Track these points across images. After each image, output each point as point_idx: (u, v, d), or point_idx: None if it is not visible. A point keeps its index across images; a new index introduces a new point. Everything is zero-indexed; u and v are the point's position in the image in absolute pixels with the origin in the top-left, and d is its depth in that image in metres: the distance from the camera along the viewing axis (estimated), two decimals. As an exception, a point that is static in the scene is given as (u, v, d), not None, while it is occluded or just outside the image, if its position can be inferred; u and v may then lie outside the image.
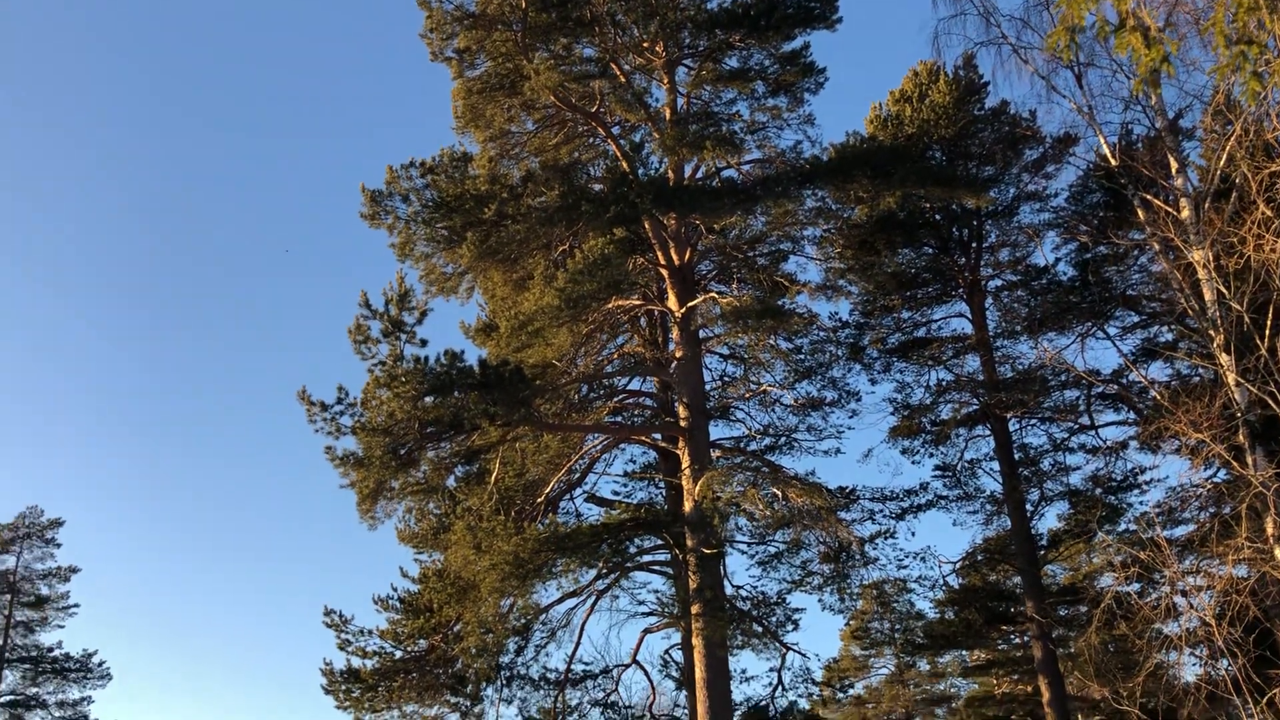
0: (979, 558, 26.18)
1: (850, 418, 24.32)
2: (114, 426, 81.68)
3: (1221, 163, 15.71)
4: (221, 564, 75.69)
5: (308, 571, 75.75)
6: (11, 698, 38.99)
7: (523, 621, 21.11)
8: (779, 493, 18.95)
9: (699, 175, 22.47)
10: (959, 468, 25.64)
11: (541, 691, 22.32)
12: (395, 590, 21.67)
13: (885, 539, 23.35)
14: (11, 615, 39.48)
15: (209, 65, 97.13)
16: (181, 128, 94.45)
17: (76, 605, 40.88)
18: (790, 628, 21.75)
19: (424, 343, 17.87)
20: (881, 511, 24.38)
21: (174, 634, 71.05)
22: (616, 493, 24.53)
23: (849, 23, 21.87)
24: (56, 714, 39.47)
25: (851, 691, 40.94)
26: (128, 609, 70.90)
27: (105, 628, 72.38)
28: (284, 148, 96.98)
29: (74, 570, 41.02)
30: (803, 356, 23.89)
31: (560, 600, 21.28)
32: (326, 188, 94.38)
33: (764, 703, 23.44)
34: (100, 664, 40.16)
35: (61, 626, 40.75)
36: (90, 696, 40.00)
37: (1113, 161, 18.04)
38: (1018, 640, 33.66)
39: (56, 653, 39.76)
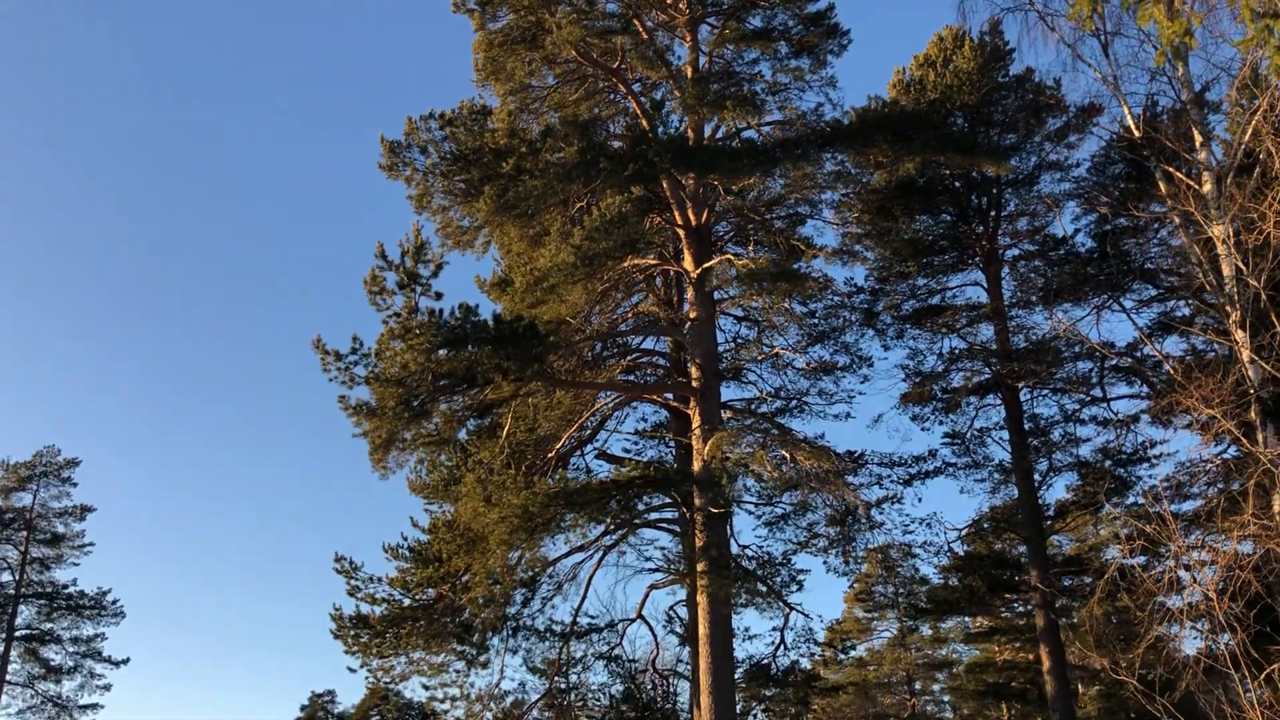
0: (985, 525, 26.29)
1: (862, 383, 24.39)
2: (131, 369, 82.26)
3: (1246, 137, 15.56)
4: (235, 508, 76.45)
5: (319, 518, 76.48)
6: (27, 632, 39.72)
7: (530, 574, 21.33)
8: (788, 455, 19.04)
9: (719, 135, 22.36)
10: (968, 436, 25.71)
11: (547, 643, 22.65)
12: (405, 539, 21.93)
13: (892, 504, 23.48)
14: (28, 552, 40.10)
15: (212, 21, 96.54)
16: (196, 71, 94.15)
17: (92, 544, 41.56)
18: (794, 588, 21.94)
19: (439, 295, 17.92)
20: (889, 477, 24.49)
21: (186, 574, 71.97)
22: (627, 450, 24.72)
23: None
24: (70, 649, 40.24)
25: (853, 653, 41.33)
26: (141, 548, 71.78)
27: (119, 566, 73.39)
28: (303, 96, 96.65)
29: (89, 509, 41.63)
30: (816, 320, 23.90)
31: (568, 554, 21.54)
32: (344, 137, 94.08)
33: (766, 661, 23.73)
34: (114, 602, 40.86)
35: (76, 564, 41.46)
36: (104, 633, 40.77)
37: (1136, 133, 17.87)
38: (1020, 609, 33.85)
39: (71, 589, 40.43)
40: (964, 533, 25.83)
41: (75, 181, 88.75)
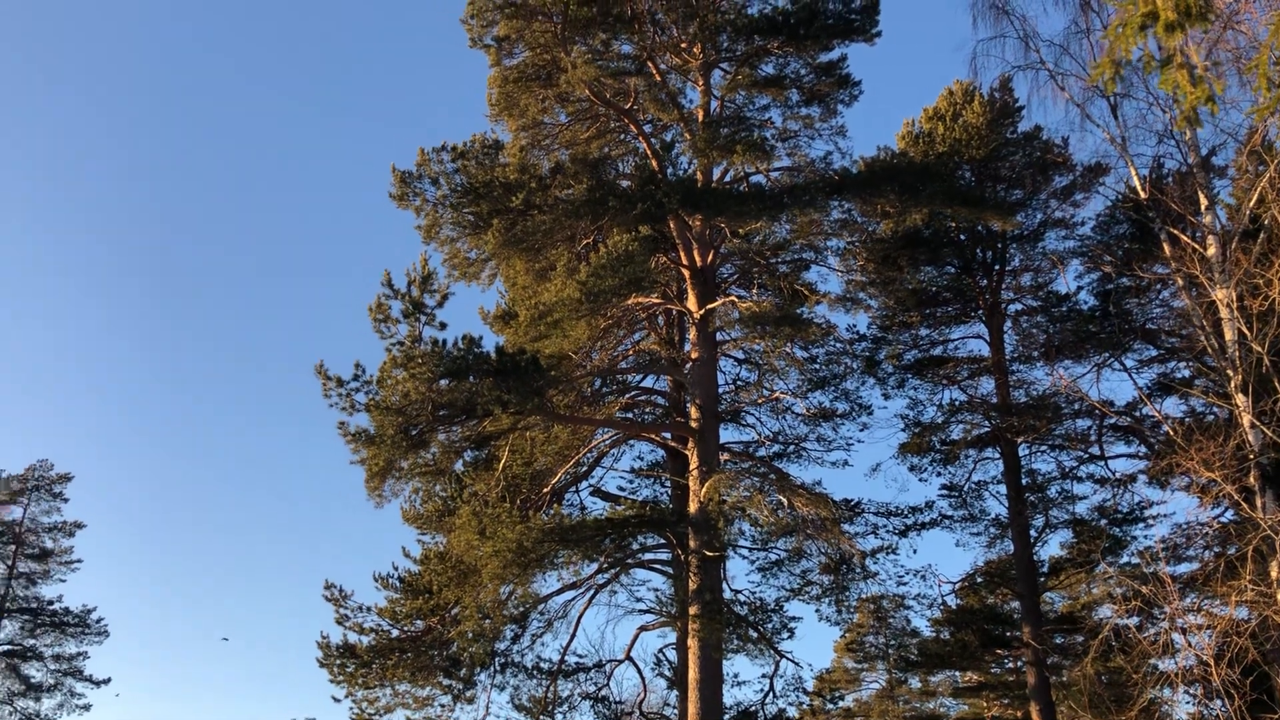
0: (979, 580, 26.18)
1: (861, 431, 24.38)
2: (127, 388, 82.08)
3: (1252, 203, 15.68)
4: (226, 529, 75.97)
5: (311, 543, 76.00)
6: (9, 647, 39.27)
7: (521, 610, 21.17)
8: (785, 500, 18.99)
9: (727, 179, 22.50)
10: (965, 488, 25.67)
11: (534, 680, 22.39)
12: (396, 569, 21.78)
13: (887, 554, 23.35)
14: (15, 566, 39.77)
15: (230, 44, 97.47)
16: (205, 107, 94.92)
17: (79, 560, 41.10)
18: (786, 635, 21.79)
19: (443, 326, 17.98)
20: (885, 526, 24.39)
21: (174, 595, 71.36)
22: (622, 488, 24.63)
23: (887, 37, 21.82)
24: (52, 666, 39.73)
25: (841, 703, 40.98)
26: (130, 568, 71.24)
27: (106, 585, 72.80)
28: (311, 127, 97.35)
29: (79, 526, 41.24)
30: (818, 366, 23.93)
31: (559, 591, 21.35)
32: (352, 169, 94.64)
33: (754, 708, 23.48)
34: (98, 620, 40.39)
35: (63, 581, 40.99)
36: (86, 652, 40.26)
37: (1142, 194, 18.01)
38: (1011, 665, 33.64)
39: (56, 606, 40.03)
40: (957, 586, 25.74)
41: (72, 186, 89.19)
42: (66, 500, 41.24)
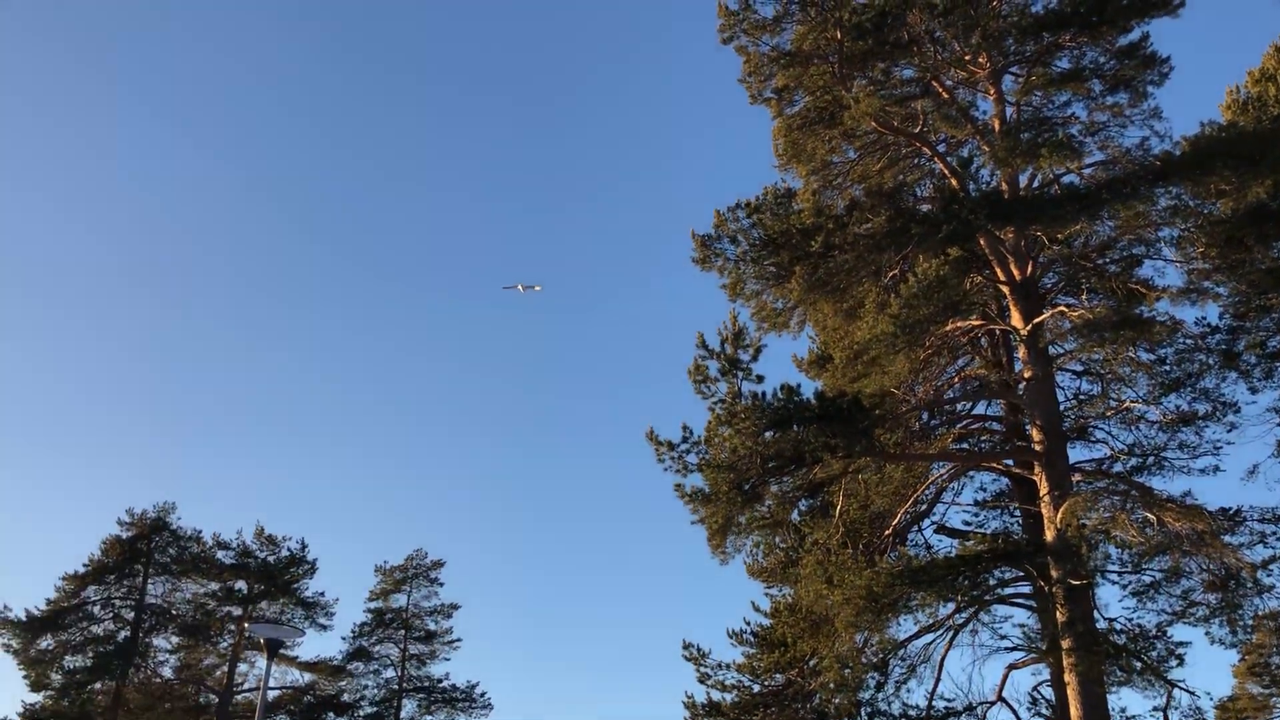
0: (1403, 583, 22.83)
1: (1228, 431, 22.03)
2: (489, 476, 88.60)
3: None
4: (584, 596, 79.63)
5: (662, 604, 78.18)
6: (411, 724, 43.05)
7: (880, 656, 20.68)
8: (1152, 517, 17.52)
9: (1035, 184, 21.41)
10: (1368, 481, 22.58)
11: (904, 729, 21.74)
12: (748, 624, 21.99)
13: (1281, 564, 20.91)
14: (406, 649, 43.61)
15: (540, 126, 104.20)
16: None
17: (459, 639, 44.57)
18: (1174, 663, 20.00)
19: (760, 379, 18.25)
20: (1274, 534, 21.82)
21: (541, 666, 75.42)
22: (967, 523, 23.64)
23: (1191, 5, 20.01)
24: (447, 740, 43.13)
25: (1252, 734, 36.94)
26: (501, 642, 76.09)
27: (483, 660, 78.03)
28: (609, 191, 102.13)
29: (455, 607, 44.79)
30: (1168, 368, 21.97)
31: (917, 635, 20.71)
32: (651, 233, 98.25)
33: (1150, 744, 21.59)
34: (482, 694, 43.52)
35: (448, 659, 44.59)
36: (476, 724, 43.39)
37: None
38: None
39: (445, 683, 43.47)
40: (1377, 593, 22.55)
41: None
42: (442, 584, 44.95)
